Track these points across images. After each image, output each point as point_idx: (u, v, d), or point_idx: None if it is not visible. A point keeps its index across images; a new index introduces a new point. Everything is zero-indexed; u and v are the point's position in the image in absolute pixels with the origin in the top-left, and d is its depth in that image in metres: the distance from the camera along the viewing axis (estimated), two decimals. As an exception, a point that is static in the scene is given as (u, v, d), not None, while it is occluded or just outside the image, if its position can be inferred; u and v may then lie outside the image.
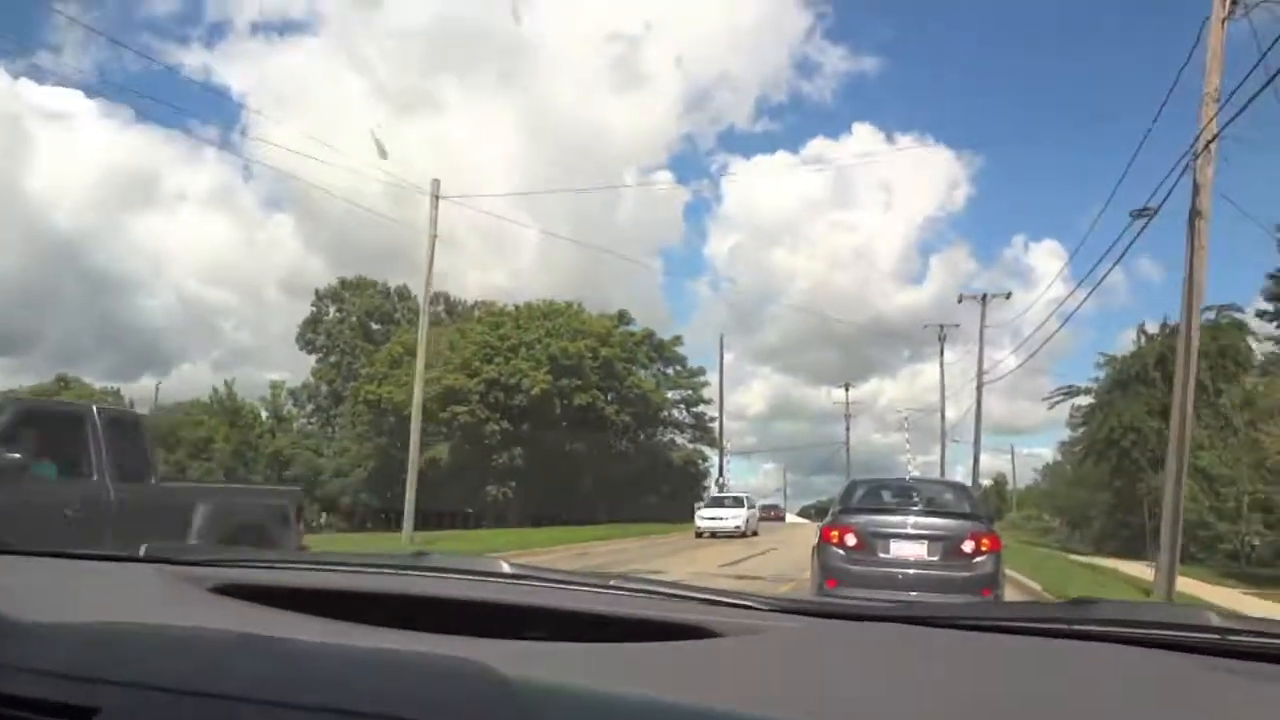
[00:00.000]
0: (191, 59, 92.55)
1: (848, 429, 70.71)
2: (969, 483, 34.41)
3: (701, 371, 57.70)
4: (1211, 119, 13.28)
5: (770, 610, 1.37)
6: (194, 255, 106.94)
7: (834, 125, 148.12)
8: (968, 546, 9.17)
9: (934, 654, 1.24)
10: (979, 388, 39.33)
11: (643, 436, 55.78)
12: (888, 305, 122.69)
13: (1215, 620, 1.27)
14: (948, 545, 9.22)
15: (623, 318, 55.09)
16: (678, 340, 58.70)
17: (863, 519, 9.63)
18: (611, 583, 1.51)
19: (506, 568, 1.55)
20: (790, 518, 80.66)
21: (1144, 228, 15.81)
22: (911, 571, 9.24)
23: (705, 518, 34.28)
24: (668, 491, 54.98)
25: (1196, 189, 13.58)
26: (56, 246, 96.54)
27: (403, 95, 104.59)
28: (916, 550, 9.31)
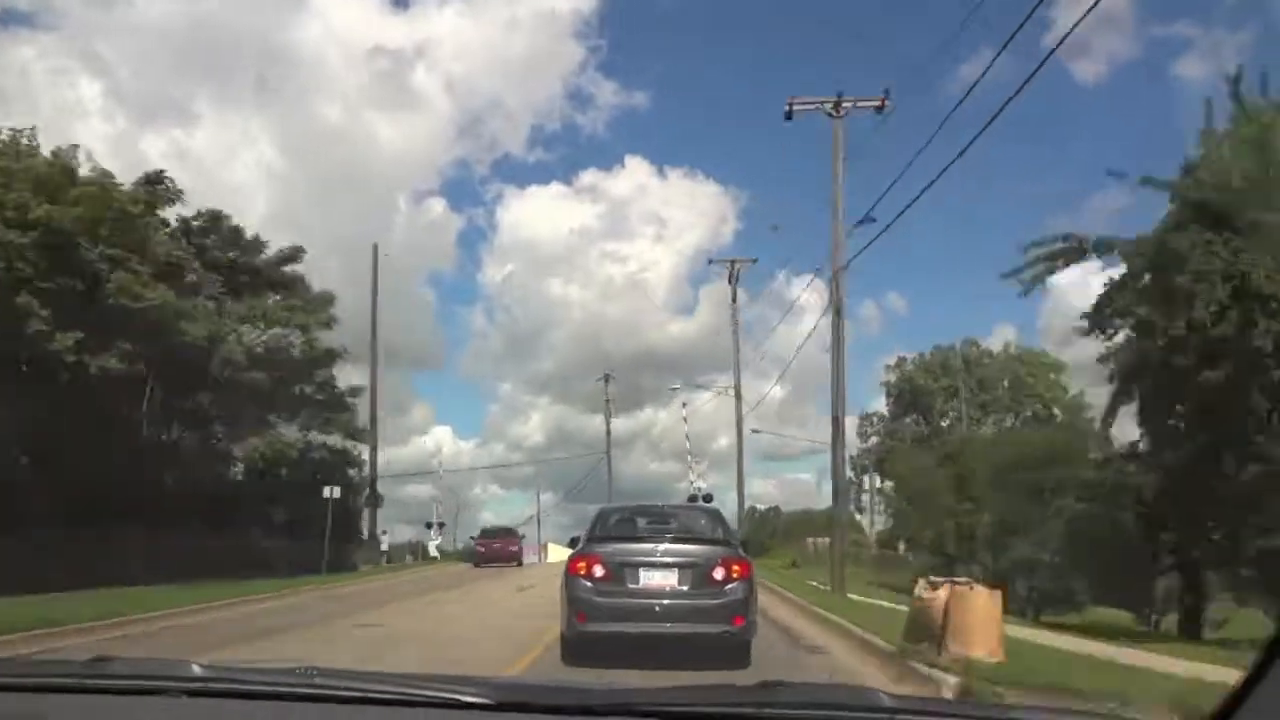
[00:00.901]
0: None
1: (608, 431, 59.33)
2: (730, 506, 35.10)
3: (330, 301, 31.76)
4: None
5: (473, 709, 1.36)
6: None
7: (606, 158, 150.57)
8: (718, 573, 8.84)
9: None
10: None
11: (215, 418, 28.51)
12: (660, 336, 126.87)
13: (885, 700, 1.38)
14: (698, 573, 8.85)
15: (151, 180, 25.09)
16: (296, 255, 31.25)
17: (610, 548, 9.12)
18: (316, 680, 1.42)
19: (195, 670, 1.48)
20: (556, 550, 77.90)
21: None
22: (663, 601, 8.76)
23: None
24: (283, 521, 30.35)
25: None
26: None
27: (147, 99, 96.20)
28: (667, 579, 8.88)
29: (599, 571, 8.89)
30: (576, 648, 8.90)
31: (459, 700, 1.37)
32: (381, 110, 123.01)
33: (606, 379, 60.10)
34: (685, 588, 8.81)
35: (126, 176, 23.88)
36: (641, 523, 10.20)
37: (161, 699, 1.40)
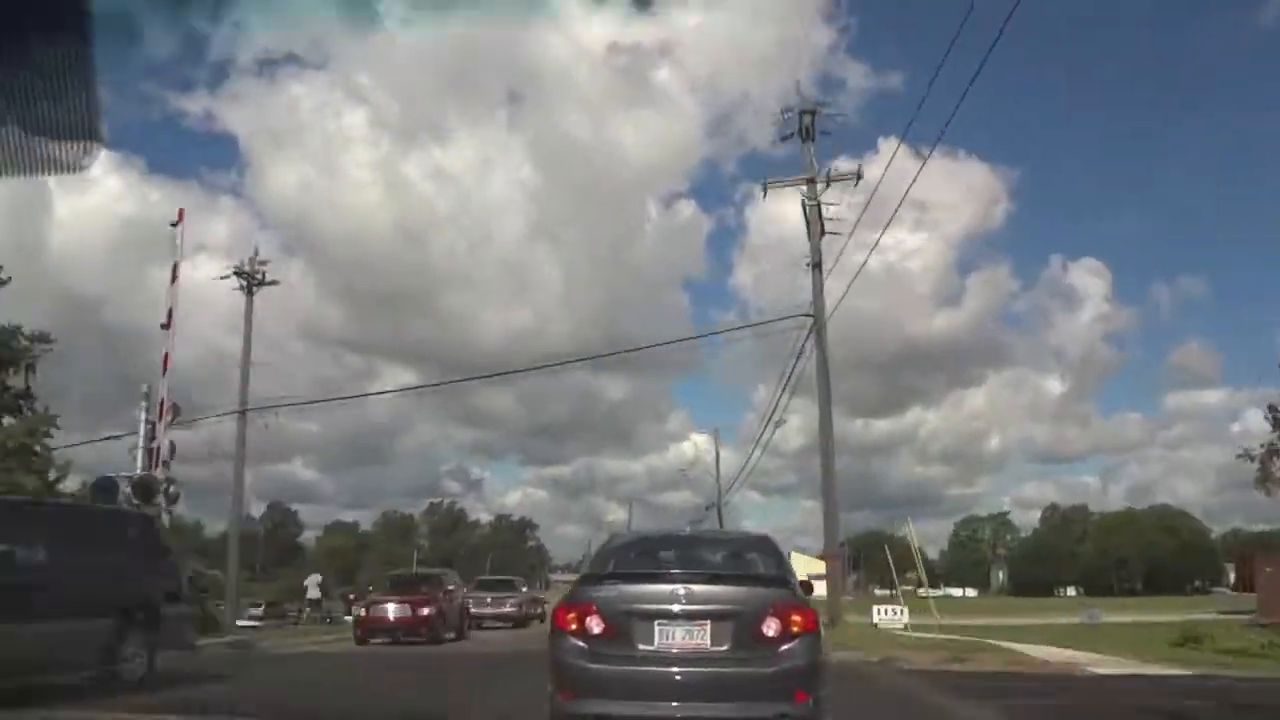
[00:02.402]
0: None
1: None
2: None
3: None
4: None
5: None
6: None
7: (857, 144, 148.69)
8: (770, 627, 6.02)
9: None
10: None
11: None
12: (926, 329, 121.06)
13: None
14: (740, 625, 6.04)
15: None
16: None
17: (612, 592, 6.28)
18: None
19: None
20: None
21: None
22: (689, 669, 5.93)
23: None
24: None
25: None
26: None
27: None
28: (693, 636, 6.04)
29: (595, 626, 6.05)
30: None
31: None
32: (629, 112, 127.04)
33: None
34: (722, 648, 5.97)
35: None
36: (661, 555, 7.33)
37: None
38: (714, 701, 5.88)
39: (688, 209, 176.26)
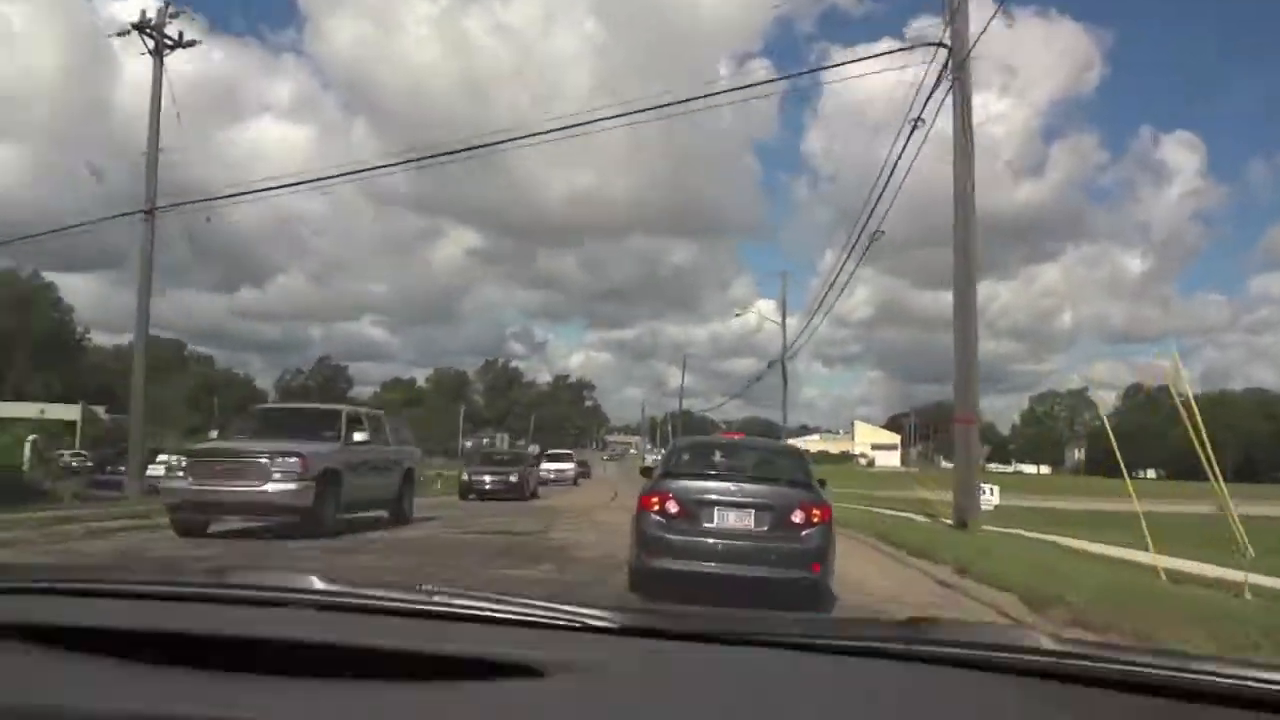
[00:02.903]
0: None
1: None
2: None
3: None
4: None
5: (599, 633, 1.34)
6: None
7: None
8: (797, 517, 8.36)
9: (776, 680, 1.24)
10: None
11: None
12: (1003, 198, 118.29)
13: (1046, 643, 1.31)
14: (776, 515, 8.40)
15: None
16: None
17: (685, 484, 8.70)
18: (436, 599, 1.42)
19: (318, 584, 1.47)
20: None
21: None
22: (737, 543, 8.38)
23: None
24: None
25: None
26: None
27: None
28: (743, 520, 8.43)
29: (672, 508, 8.51)
30: (644, 584, 8.63)
31: (583, 623, 1.35)
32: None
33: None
34: (763, 529, 8.40)
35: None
36: (718, 458, 9.75)
37: (287, 611, 1.39)
38: (755, 565, 8.34)
39: (760, 69, 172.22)
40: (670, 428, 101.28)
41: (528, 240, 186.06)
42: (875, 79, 28.28)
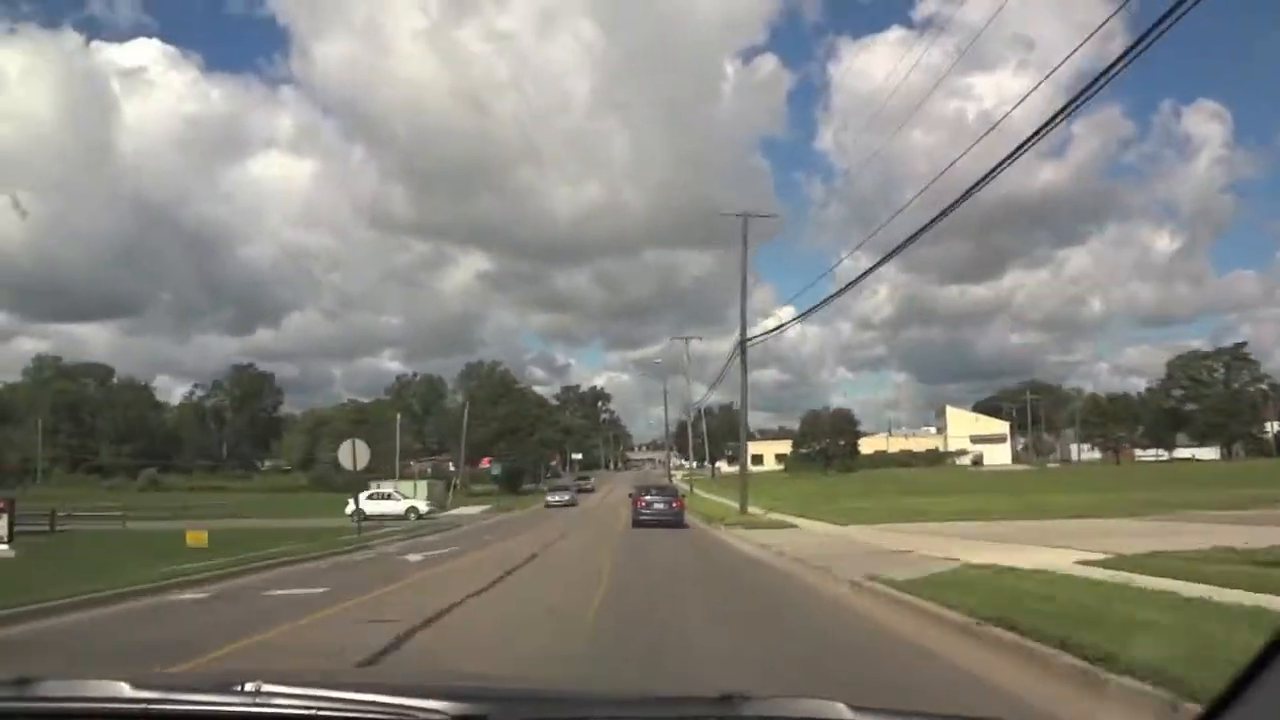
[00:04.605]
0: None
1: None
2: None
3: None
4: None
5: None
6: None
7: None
8: (675, 503, 31.36)
9: None
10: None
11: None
12: (1026, 183, 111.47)
13: (847, 714, 1.44)
14: (667, 500, 31.31)
15: None
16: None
17: (641, 493, 31.63)
18: (262, 697, 1.37)
19: (129, 692, 1.39)
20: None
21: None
22: (657, 510, 30.96)
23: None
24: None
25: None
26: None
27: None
28: (660, 503, 31.19)
29: (639, 502, 31.37)
30: (634, 525, 30.66)
31: (413, 716, 1.34)
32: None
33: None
34: (662, 506, 31.16)
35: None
36: (649, 486, 33.35)
37: None
38: (662, 517, 30.79)
39: (767, 64, 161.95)
40: (695, 428, 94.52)
41: (540, 260, 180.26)
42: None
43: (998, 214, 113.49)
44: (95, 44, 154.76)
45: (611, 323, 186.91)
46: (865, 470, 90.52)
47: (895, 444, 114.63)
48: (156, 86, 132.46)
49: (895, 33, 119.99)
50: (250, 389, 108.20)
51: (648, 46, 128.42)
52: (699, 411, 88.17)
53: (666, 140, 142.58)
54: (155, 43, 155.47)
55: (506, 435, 78.59)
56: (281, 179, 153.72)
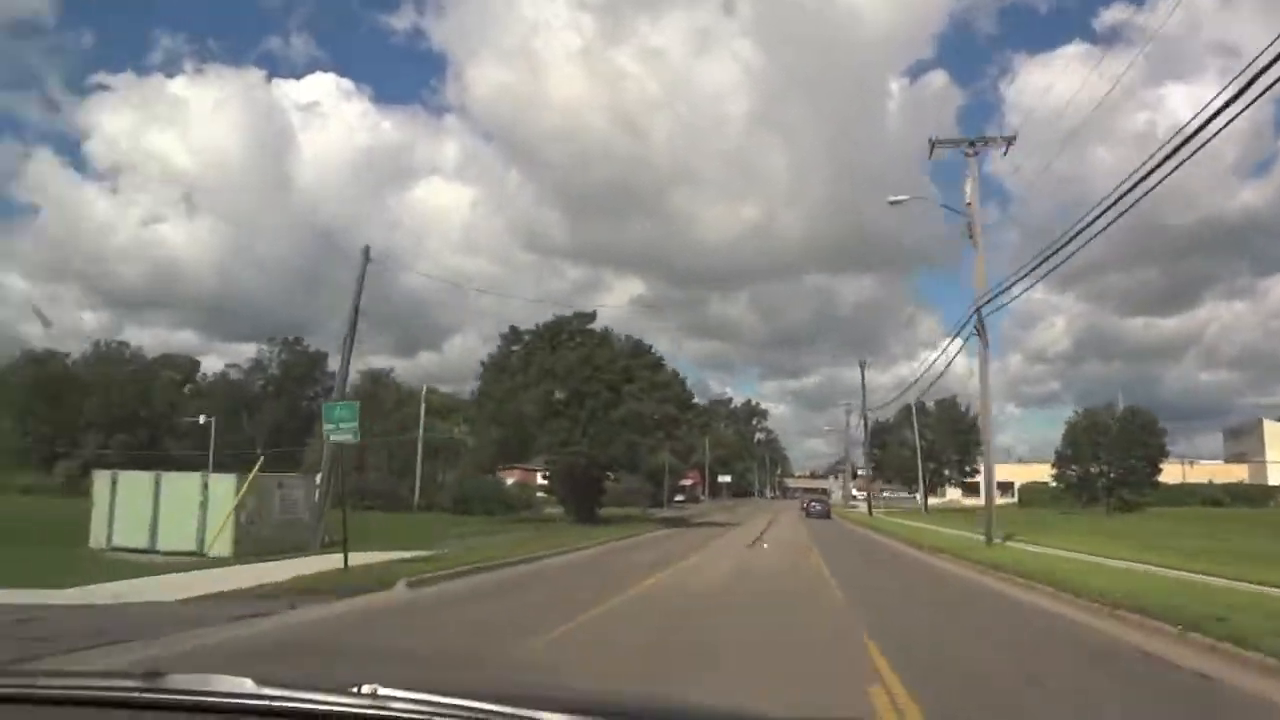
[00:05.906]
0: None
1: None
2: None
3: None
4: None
5: None
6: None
7: None
8: (826, 509, 56.55)
9: None
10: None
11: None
12: (1226, 204, 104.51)
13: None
14: (820, 503, 55.78)
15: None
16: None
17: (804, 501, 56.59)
18: (379, 699, 1.42)
19: (250, 686, 1.45)
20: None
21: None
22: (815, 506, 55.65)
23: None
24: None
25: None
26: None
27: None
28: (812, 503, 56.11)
29: (804, 504, 55.92)
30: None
31: None
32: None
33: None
34: (818, 507, 55.53)
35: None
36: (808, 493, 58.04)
37: (218, 718, 1.38)
38: (818, 508, 55.20)
39: (937, 80, 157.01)
40: (893, 436, 71.38)
41: (696, 285, 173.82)
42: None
43: (1194, 237, 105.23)
44: (275, 80, 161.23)
45: (769, 351, 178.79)
46: (1159, 508, 59.12)
47: (1197, 473, 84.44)
48: (330, 119, 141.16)
49: (1074, 47, 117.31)
50: (292, 371, 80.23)
51: (809, 62, 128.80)
52: (912, 407, 62.78)
53: (827, 160, 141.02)
54: (330, 76, 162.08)
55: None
56: (441, 207, 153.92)
